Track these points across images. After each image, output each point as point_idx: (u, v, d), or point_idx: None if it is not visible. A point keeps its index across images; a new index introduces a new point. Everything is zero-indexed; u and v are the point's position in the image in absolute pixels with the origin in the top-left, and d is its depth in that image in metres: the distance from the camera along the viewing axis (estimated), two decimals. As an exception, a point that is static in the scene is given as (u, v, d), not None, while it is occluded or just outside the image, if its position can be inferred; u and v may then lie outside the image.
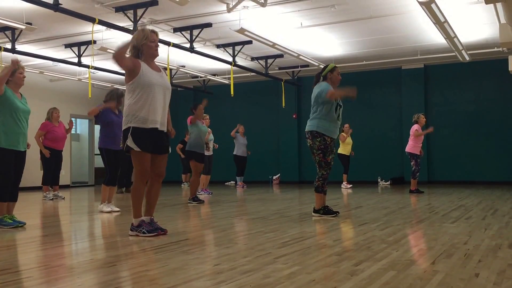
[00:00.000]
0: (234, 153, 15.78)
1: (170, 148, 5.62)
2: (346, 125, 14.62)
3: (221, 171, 17.83)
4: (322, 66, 15.09)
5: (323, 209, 6.96)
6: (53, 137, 10.81)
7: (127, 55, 5.19)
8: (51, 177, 11.10)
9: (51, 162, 10.89)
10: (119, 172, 8.30)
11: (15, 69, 6.17)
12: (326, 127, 6.72)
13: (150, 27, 11.41)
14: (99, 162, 19.95)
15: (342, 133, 14.49)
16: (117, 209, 8.13)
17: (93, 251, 4.72)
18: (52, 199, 11.04)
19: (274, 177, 18.24)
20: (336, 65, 7.04)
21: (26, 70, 6.38)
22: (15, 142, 6.12)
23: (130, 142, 5.08)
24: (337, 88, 6.93)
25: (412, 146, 11.73)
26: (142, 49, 5.18)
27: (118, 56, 5.01)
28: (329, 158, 6.79)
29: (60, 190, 11.53)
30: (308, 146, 6.89)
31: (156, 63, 5.46)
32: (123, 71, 5.28)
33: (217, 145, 13.99)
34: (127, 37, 11.84)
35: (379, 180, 16.49)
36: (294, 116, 18.56)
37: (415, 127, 11.75)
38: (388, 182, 16.24)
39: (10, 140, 6.08)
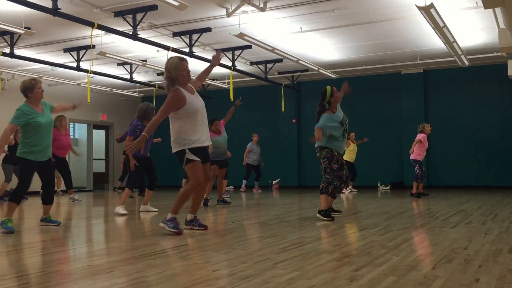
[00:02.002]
0: (245, 163, 16.29)
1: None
2: (352, 134, 14.65)
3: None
4: (322, 71, 15.19)
5: (324, 211, 7.30)
6: (58, 145, 10.99)
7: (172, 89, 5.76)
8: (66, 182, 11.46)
9: (55, 168, 11.07)
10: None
11: (34, 85, 6.49)
12: (334, 144, 7.34)
13: (149, 31, 11.44)
14: (97, 167, 20.03)
15: (348, 140, 14.44)
16: (155, 209, 8.95)
17: (91, 257, 4.70)
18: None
19: (274, 182, 18.22)
20: (332, 86, 7.56)
21: (24, 74, 6.52)
22: (40, 155, 6.47)
23: (189, 155, 5.74)
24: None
25: (417, 153, 12.06)
26: (177, 78, 5.74)
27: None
28: (334, 165, 7.29)
29: (59, 195, 11.54)
30: (317, 158, 7.46)
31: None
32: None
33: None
34: (127, 41, 11.86)
35: (378, 185, 16.47)
36: (293, 121, 18.54)
37: (420, 137, 11.95)
38: (388, 187, 16.22)
39: (37, 155, 6.43)
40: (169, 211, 5.93)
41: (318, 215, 7.40)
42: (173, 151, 5.86)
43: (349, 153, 14.54)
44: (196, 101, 5.83)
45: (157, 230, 6.50)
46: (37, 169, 6.58)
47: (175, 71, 5.72)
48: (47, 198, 6.82)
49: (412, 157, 12.12)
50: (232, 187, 17.72)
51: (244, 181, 16.38)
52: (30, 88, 6.49)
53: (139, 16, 10.26)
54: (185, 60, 5.88)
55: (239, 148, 16.61)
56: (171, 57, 5.95)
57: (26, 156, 6.39)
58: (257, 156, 16.39)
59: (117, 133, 12.42)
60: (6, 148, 9.87)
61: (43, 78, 15.60)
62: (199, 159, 5.78)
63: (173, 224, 5.80)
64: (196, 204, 6.13)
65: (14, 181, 12.99)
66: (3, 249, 5.15)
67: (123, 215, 8.36)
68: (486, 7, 7.73)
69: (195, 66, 15.34)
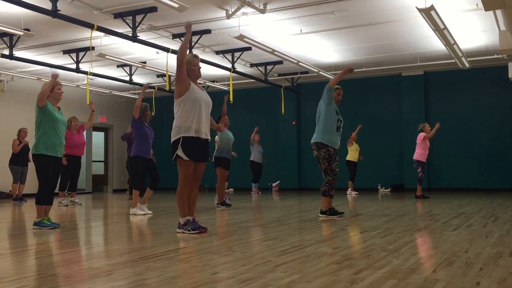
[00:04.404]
0: (251, 159, 16.30)
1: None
2: (354, 132, 14.72)
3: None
4: (322, 73, 15.21)
5: (329, 210, 7.73)
6: (72, 144, 11.20)
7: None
8: (67, 184, 11.52)
9: (69, 169, 11.26)
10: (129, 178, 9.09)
11: (54, 86, 6.91)
12: (329, 139, 7.56)
13: (149, 33, 11.43)
14: (96, 169, 19.99)
15: (349, 140, 14.61)
16: (150, 212, 8.98)
17: (90, 259, 4.67)
18: (67, 205, 11.44)
19: (274, 184, 18.19)
20: (339, 87, 7.83)
21: (23, 76, 6.64)
22: (54, 150, 6.75)
23: (180, 152, 5.85)
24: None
25: (420, 154, 12.33)
26: (187, 72, 5.98)
27: (182, 52, 5.93)
28: (333, 166, 7.60)
29: (57, 197, 11.54)
30: (314, 157, 7.72)
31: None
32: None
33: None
34: (126, 43, 11.86)
35: (379, 187, 16.45)
36: (293, 122, 18.53)
37: (420, 136, 12.21)
38: (388, 189, 16.20)
39: (50, 148, 6.71)
40: (179, 217, 6.07)
41: (321, 215, 7.73)
42: (171, 140, 5.98)
43: (353, 153, 14.65)
44: (201, 94, 6.04)
45: (156, 232, 6.47)
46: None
47: (188, 64, 5.99)
48: (48, 198, 6.86)
49: (415, 157, 12.33)
50: (232, 189, 17.70)
51: (253, 184, 16.37)
52: (51, 88, 6.88)
53: (138, 18, 10.26)
54: (198, 57, 6.19)
55: (239, 151, 16.58)
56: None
57: (41, 151, 6.65)
58: (260, 154, 16.40)
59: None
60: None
61: (43, 80, 15.58)
62: (189, 158, 5.85)
63: (190, 226, 5.95)
64: (191, 206, 6.11)
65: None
66: (2, 251, 5.12)
67: (144, 214, 8.79)
68: (486, 9, 7.72)
69: (195, 68, 15.34)
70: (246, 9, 9.98)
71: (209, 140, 6.13)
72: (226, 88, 16.93)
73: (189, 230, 5.91)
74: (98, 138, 20.28)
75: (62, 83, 16.74)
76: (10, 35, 11.55)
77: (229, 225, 7.26)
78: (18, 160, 13.21)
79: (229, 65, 13.87)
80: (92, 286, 3.45)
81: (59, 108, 7.04)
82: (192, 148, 5.87)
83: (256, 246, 5.12)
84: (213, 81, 17.26)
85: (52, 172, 6.79)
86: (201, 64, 13.80)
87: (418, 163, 12.26)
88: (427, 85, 16.82)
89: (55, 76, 6.70)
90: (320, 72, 15.11)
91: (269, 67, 15.33)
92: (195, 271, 3.89)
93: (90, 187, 19.39)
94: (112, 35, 10.61)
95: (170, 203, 11.63)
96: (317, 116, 7.76)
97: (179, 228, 6.04)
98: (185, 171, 5.90)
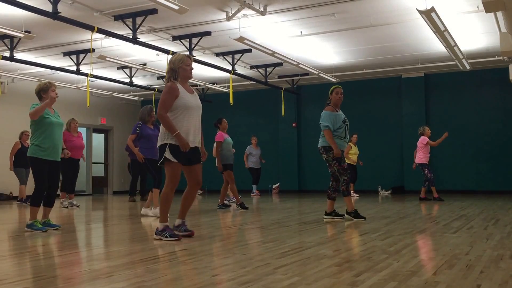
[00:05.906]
0: (247, 166, 16.37)
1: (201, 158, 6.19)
2: (355, 135, 14.70)
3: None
4: (322, 75, 15.22)
5: (334, 212, 7.88)
6: (71, 146, 11.15)
7: (168, 83, 5.78)
8: (69, 185, 11.54)
9: (69, 171, 11.21)
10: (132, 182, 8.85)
11: (49, 87, 6.87)
12: (337, 143, 7.57)
13: (149, 35, 11.44)
14: (96, 171, 19.99)
15: (349, 143, 14.54)
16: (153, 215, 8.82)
17: (90, 261, 4.66)
18: (67, 207, 11.43)
19: (274, 186, 18.18)
20: (337, 86, 7.86)
21: (24, 78, 6.60)
22: (51, 153, 6.69)
23: (168, 155, 5.60)
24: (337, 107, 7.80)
25: (422, 157, 12.32)
26: (178, 71, 5.79)
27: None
28: (345, 164, 7.66)
29: (58, 199, 11.54)
30: (324, 160, 7.77)
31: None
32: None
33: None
34: (126, 45, 11.85)
35: (379, 189, 16.43)
36: (293, 125, 18.52)
37: (423, 141, 12.21)
38: (389, 192, 16.19)
39: (48, 152, 6.64)
40: (159, 221, 5.79)
41: (347, 215, 7.80)
42: (157, 144, 5.76)
43: (351, 156, 14.62)
44: (190, 99, 5.76)
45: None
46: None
47: (179, 63, 5.79)
48: (48, 201, 6.85)
49: (418, 161, 12.35)
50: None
51: (253, 186, 16.40)
52: (45, 90, 6.84)
53: (139, 20, 10.26)
54: (191, 58, 5.98)
55: (238, 153, 16.56)
56: (177, 54, 6.09)
57: (38, 154, 6.59)
58: (257, 158, 16.39)
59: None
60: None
61: (43, 81, 15.60)
62: (176, 161, 5.60)
63: (168, 233, 5.63)
64: (185, 209, 5.96)
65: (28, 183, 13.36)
66: (2, 253, 5.12)
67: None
68: (487, 11, 7.71)
69: (195, 71, 15.29)
70: (246, 11, 9.99)
71: (199, 147, 5.87)
72: (226, 90, 16.92)
73: (166, 237, 5.59)
74: (98, 140, 20.28)
75: (62, 85, 16.84)
76: (11, 37, 11.56)
77: (229, 227, 7.26)
78: (20, 162, 13.22)
79: (229, 67, 13.86)
80: (91, 288, 3.45)
81: (54, 110, 6.95)
82: (179, 152, 5.61)
83: (256, 248, 5.11)
84: (213, 83, 17.26)
85: (50, 174, 6.73)
86: (201, 66, 13.90)
87: (422, 166, 12.24)
88: (427, 87, 16.82)
89: (50, 102, 6.67)
90: (320, 74, 15.10)
91: (269, 69, 15.32)
92: (195, 273, 3.88)
93: (90, 188, 19.39)
94: (113, 37, 10.61)
95: (171, 205, 11.60)
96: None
97: (156, 234, 5.73)
98: (172, 174, 5.65)
